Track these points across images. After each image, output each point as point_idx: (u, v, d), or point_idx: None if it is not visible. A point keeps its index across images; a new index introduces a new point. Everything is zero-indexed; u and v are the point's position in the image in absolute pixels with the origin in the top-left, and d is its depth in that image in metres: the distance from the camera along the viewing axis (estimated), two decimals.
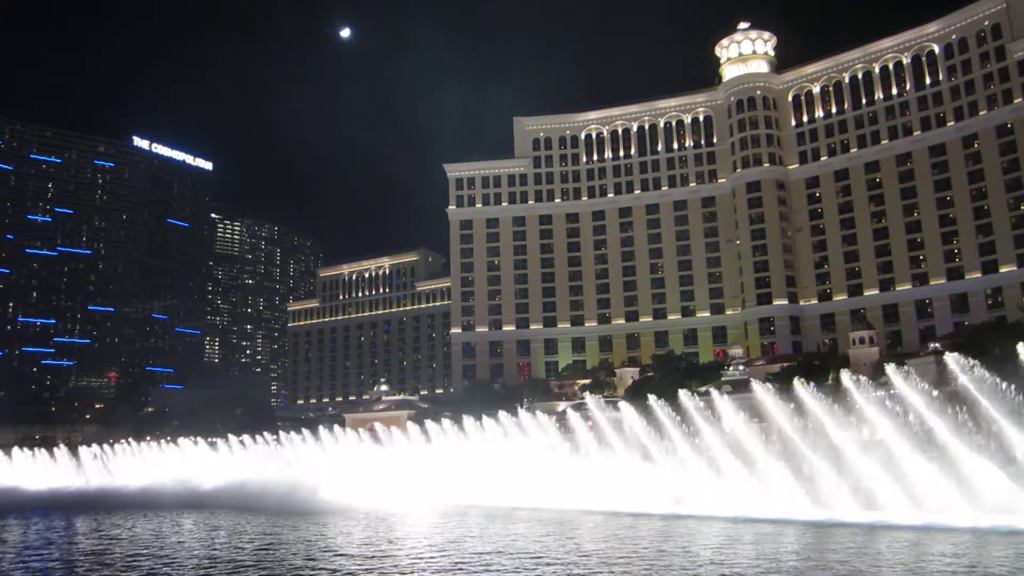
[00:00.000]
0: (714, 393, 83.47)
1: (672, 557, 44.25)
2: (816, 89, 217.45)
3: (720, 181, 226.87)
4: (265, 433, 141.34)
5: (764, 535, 53.05)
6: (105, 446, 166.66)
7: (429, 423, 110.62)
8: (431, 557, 46.05)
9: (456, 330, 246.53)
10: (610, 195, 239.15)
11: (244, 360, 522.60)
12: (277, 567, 43.81)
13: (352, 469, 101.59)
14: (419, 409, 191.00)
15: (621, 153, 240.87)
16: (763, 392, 71.19)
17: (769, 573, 38.57)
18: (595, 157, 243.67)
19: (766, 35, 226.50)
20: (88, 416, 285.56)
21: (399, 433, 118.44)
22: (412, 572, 41.69)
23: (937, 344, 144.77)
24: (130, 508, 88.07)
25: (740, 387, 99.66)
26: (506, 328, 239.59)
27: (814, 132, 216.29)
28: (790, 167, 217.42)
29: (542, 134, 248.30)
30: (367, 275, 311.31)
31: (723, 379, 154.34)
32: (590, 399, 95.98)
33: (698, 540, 52.30)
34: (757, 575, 38.23)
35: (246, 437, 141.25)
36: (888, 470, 60.06)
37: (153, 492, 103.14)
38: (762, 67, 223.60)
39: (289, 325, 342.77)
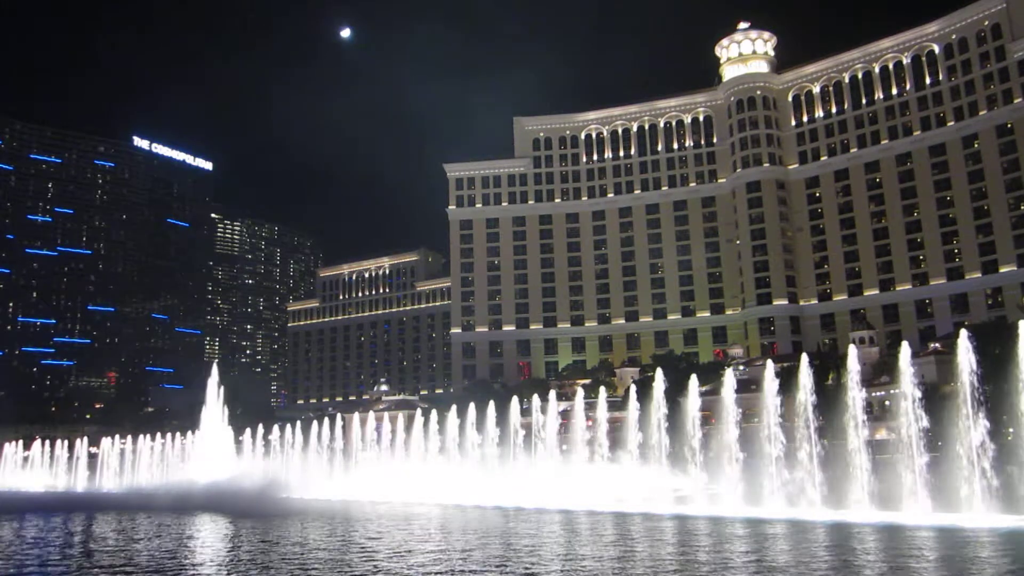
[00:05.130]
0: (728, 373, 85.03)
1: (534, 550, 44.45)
2: (816, 89, 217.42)
3: (720, 181, 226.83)
4: (261, 430, 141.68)
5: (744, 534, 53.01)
6: (102, 446, 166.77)
7: (422, 422, 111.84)
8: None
9: (456, 330, 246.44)
10: (610, 195, 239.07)
11: (244, 360, 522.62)
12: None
13: (337, 468, 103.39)
14: (419, 409, 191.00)
15: (621, 153, 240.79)
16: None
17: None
18: (595, 157, 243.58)
19: (766, 35, 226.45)
20: (88, 416, 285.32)
21: (395, 432, 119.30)
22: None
23: (937, 344, 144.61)
24: (100, 510, 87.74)
25: (741, 387, 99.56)
26: (506, 328, 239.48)
27: (814, 132, 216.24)
28: (790, 167, 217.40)
29: (542, 134, 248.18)
30: (367, 275, 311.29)
31: (723, 380, 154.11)
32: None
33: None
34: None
35: (244, 436, 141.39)
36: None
37: (142, 494, 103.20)
38: (762, 67, 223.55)
39: (289, 325, 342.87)
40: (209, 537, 59.50)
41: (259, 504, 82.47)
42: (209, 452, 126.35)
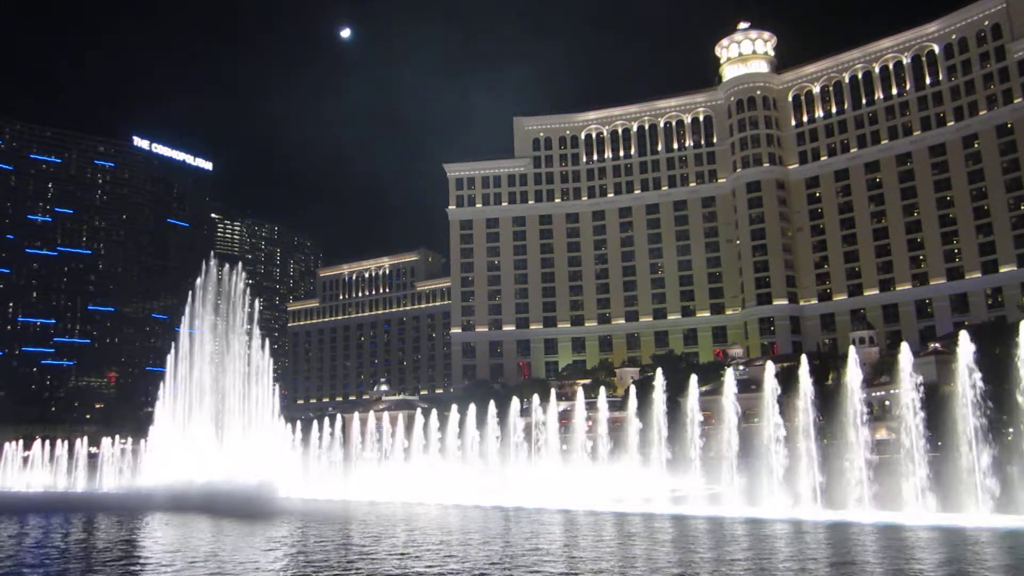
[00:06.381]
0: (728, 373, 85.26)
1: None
2: (816, 89, 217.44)
3: (720, 181, 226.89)
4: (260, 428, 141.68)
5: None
6: (102, 446, 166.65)
7: (422, 422, 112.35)
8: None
9: (456, 330, 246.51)
10: (610, 195, 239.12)
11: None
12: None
13: (336, 468, 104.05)
14: (419, 409, 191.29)
15: (621, 153, 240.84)
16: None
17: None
18: (595, 157, 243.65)
19: (766, 35, 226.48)
20: (88, 416, 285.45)
21: (395, 432, 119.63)
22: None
23: (937, 344, 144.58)
24: (96, 511, 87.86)
25: (741, 387, 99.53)
26: (506, 328, 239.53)
27: (814, 132, 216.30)
28: (790, 167, 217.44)
29: (542, 134, 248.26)
30: (367, 275, 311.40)
31: (723, 380, 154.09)
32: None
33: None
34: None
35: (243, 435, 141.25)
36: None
37: (140, 494, 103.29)
38: (762, 67, 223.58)
39: (289, 325, 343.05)
40: (204, 538, 59.51)
41: (257, 504, 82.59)
42: (209, 452, 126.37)
